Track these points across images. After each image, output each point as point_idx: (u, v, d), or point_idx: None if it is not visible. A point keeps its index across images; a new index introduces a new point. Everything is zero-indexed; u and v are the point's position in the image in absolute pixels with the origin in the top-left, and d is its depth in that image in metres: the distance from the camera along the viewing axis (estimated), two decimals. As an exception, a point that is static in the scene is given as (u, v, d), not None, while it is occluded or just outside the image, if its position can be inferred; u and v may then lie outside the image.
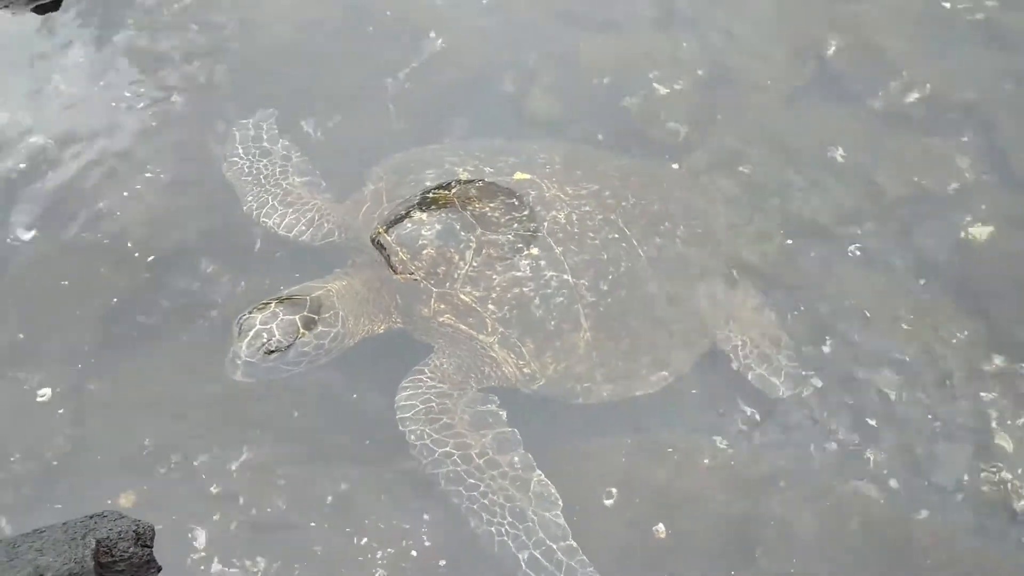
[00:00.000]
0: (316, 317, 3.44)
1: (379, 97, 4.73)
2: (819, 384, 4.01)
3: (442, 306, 3.55)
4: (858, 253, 4.44)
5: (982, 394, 3.91)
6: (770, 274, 4.34)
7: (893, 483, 3.68)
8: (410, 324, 3.67)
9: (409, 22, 4.96)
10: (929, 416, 3.87)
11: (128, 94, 4.38)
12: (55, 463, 3.41)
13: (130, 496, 3.38)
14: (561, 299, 3.59)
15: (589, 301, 3.63)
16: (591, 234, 3.77)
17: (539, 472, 3.30)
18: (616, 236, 3.82)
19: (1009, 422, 3.82)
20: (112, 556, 2.21)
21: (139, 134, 4.28)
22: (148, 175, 4.14)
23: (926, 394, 3.94)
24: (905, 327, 4.18)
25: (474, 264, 3.56)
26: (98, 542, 2.18)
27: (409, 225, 3.62)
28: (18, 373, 3.57)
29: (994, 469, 3.70)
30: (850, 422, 3.89)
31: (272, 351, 3.34)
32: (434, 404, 3.38)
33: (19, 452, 3.40)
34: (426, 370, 3.50)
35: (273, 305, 3.43)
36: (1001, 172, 4.69)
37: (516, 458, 3.32)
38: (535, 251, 3.62)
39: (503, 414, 3.45)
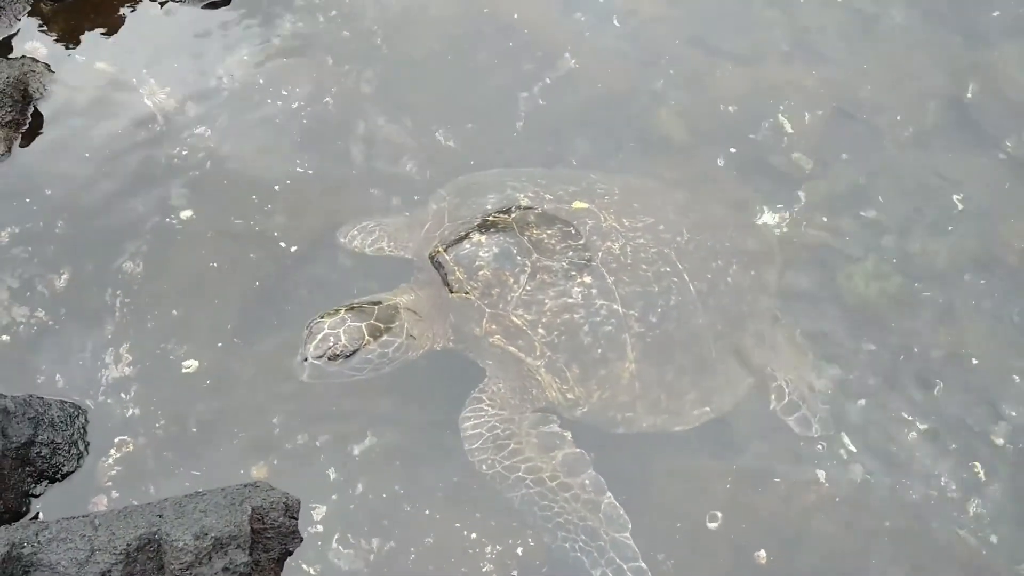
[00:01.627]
0: (382, 326, 3.59)
1: (511, 110, 4.90)
2: (923, 427, 4.03)
3: (494, 326, 3.64)
4: (974, 302, 4.42)
5: (1096, 455, 3.87)
6: (884, 314, 4.37)
7: (994, 537, 3.68)
8: (461, 343, 3.76)
9: (546, 41, 5.10)
10: (1038, 472, 3.86)
11: (285, 92, 4.65)
12: (195, 431, 3.69)
13: (261, 468, 3.64)
14: (610, 328, 3.65)
15: (637, 332, 3.68)
16: (644, 266, 3.81)
17: (609, 494, 3.42)
18: (668, 270, 3.86)
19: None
20: (264, 523, 2.43)
21: (291, 131, 4.54)
22: (298, 170, 4.40)
23: (1037, 450, 3.93)
24: (1018, 380, 4.16)
25: (527, 288, 3.64)
26: (253, 509, 2.41)
27: (467, 246, 3.73)
28: (169, 345, 3.86)
29: (1103, 532, 3.67)
30: (955, 470, 3.90)
31: (337, 355, 3.51)
32: (499, 431, 3.50)
33: (164, 419, 3.68)
34: (484, 397, 3.60)
35: (343, 312, 3.59)
36: None
37: (587, 480, 3.44)
38: (588, 279, 3.69)
39: (568, 435, 3.57)
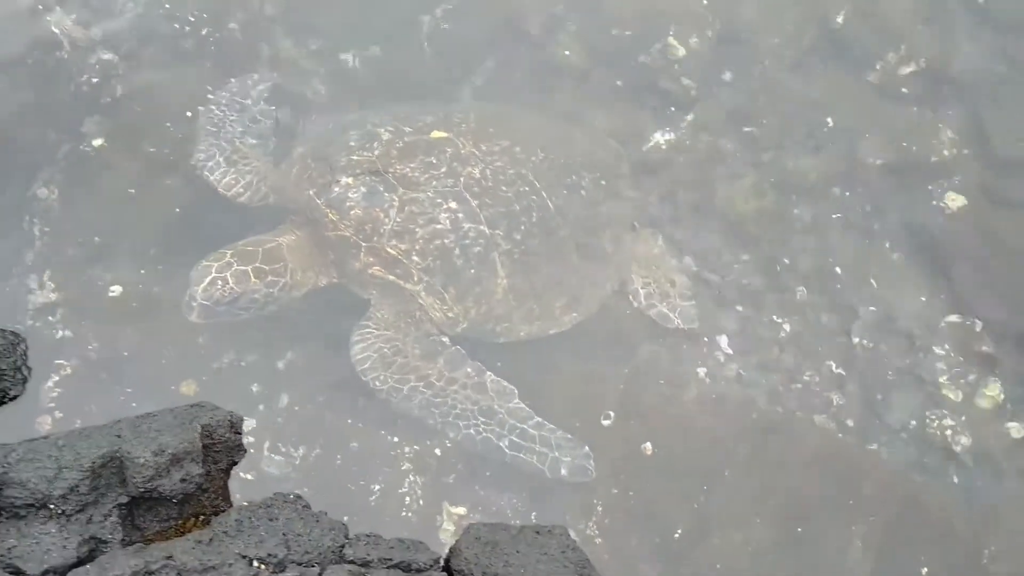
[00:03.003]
0: (267, 268, 3.80)
1: (416, 33, 5.06)
2: (788, 329, 4.52)
3: (371, 259, 3.90)
4: (839, 215, 4.89)
5: (936, 350, 4.44)
6: (760, 227, 4.82)
7: (850, 421, 4.24)
8: (344, 277, 4.02)
9: (449, -38, 5.26)
10: (887, 365, 4.41)
11: (192, 18, 4.70)
12: (126, 353, 3.89)
13: (191, 385, 3.88)
14: (479, 248, 3.95)
15: (504, 249, 4.00)
16: (504, 187, 4.09)
17: (490, 373, 3.85)
18: (527, 189, 4.15)
19: (959, 378, 4.36)
20: (212, 439, 2.68)
21: (199, 56, 4.63)
22: (209, 96, 4.49)
23: (887, 345, 4.47)
24: (874, 283, 4.67)
25: (398, 220, 3.88)
26: (202, 427, 2.67)
27: (336, 189, 3.92)
28: (94, 271, 4.01)
29: (939, 416, 4.25)
30: (816, 365, 4.41)
31: (224, 297, 3.72)
32: (386, 350, 3.80)
33: (96, 342, 3.87)
34: (370, 323, 3.88)
35: (229, 255, 3.78)
36: (981, 148, 5.10)
37: (469, 369, 3.84)
38: (453, 205, 3.95)
39: (445, 339, 3.93)
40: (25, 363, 3.41)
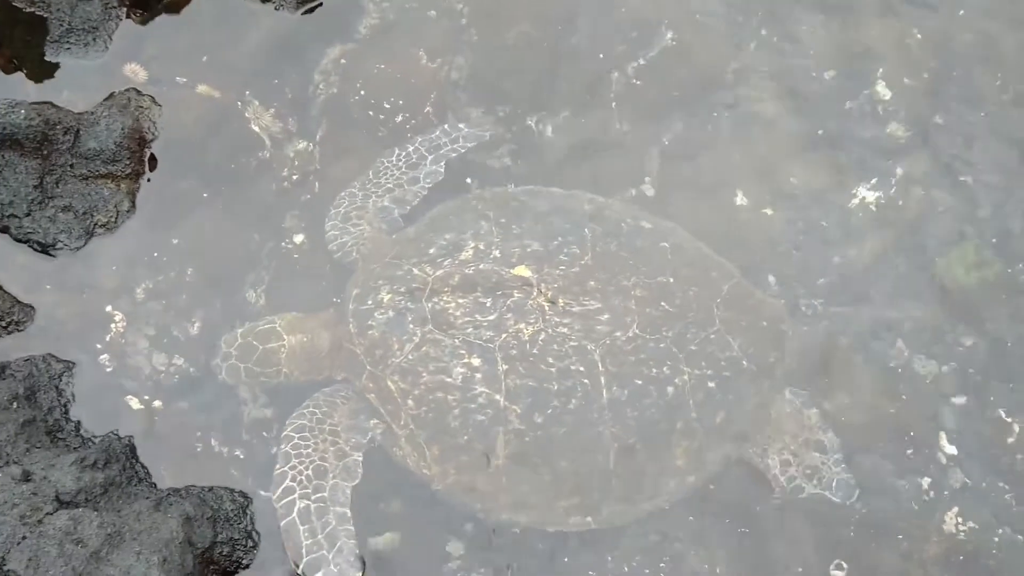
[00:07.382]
0: (258, 370, 3.80)
1: (606, 93, 4.82)
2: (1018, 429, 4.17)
3: (371, 384, 3.66)
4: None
5: None
6: (982, 303, 4.44)
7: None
8: (356, 382, 3.77)
9: (643, 15, 4.96)
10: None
11: (387, 105, 4.61)
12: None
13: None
14: (483, 418, 3.51)
15: (515, 428, 3.51)
16: (551, 359, 3.54)
17: (360, 454, 3.58)
18: (581, 369, 3.55)
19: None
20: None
21: (393, 143, 4.51)
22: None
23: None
24: None
25: (409, 357, 3.57)
26: None
27: (369, 302, 3.71)
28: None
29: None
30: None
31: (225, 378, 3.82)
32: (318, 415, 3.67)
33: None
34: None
35: (237, 342, 3.81)
36: None
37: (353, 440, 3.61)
38: (476, 362, 3.53)
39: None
40: (254, 527, 3.44)
